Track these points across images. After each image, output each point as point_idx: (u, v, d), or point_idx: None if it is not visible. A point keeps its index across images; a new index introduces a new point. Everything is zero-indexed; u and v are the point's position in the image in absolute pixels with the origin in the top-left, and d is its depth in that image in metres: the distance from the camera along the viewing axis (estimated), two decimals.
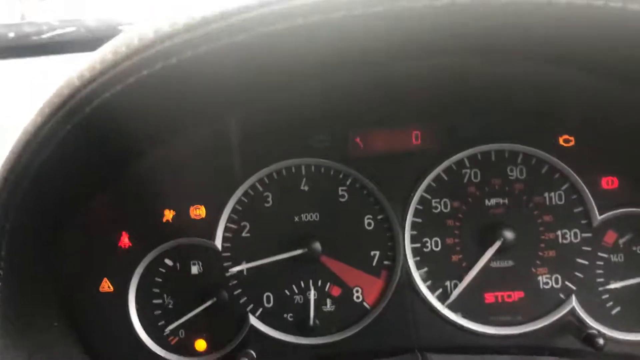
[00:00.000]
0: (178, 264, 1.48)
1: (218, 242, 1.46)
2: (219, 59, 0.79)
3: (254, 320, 1.46)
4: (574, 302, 1.41)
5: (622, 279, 1.41)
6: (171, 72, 0.77)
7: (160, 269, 1.48)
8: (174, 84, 0.87)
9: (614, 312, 1.42)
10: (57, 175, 1.10)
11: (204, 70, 0.82)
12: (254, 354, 1.36)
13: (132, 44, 0.73)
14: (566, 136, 1.41)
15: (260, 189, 1.48)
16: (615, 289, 1.41)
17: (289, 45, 0.80)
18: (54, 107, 0.80)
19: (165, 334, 1.47)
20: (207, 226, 1.46)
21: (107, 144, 1.06)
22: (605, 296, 1.42)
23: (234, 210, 1.48)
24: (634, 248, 1.42)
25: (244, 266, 1.46)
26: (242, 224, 1.48)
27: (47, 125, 0.81)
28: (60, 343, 1.27)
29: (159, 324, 1.47)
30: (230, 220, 1.48)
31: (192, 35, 0.71)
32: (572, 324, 1.41)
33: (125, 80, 0.76)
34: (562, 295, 1.43)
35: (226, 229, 1.47)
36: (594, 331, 1.33)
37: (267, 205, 1.48)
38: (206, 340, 1.46)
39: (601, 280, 1.42)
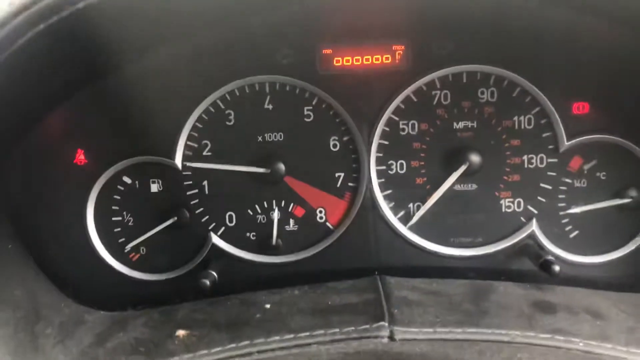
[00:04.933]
0: (137, 182, 1.44)
1: (178, 160, 1.42)
2: None
3: (215, 239, 1.45)
4: (534, 226, 1.43)
5: (583, 204, 1.42)
6: None
7: (119, 187, 1.43)
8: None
9: (572, 235, 1.44)
10: (13, 82, 1.02)
11: None
12: (215, 274, 1.36)
13: None
14: (541, 59, 1.36)
15: (222, 106, 1.42)
16: (576, 213, 1.43)
17: None
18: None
19: (125, 251, 1.45)
20: (166, 144, 1.41)
21: (73, 56, 0.98)
22: (565, 220, 1.44)
23: (194, 129, 1.42)
24: (598, 174, 1.42)
25: (203, 164, 1.41)
26: (203, 142, 1.43)
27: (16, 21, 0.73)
28: (15, 265, 1.24)
29: (119, 241, 1.45)
30: (190, 138, 1.42)
31: None
32: (531, 247, 1.43)
33: None
34: (523, 219, 1.44)
35: (186, 147, 1.42)
36: (551, 258, 1.36)
37: (228, 123, 1.43)
38: (168, 257, 1.46)
39: (563, 205, 1.43)
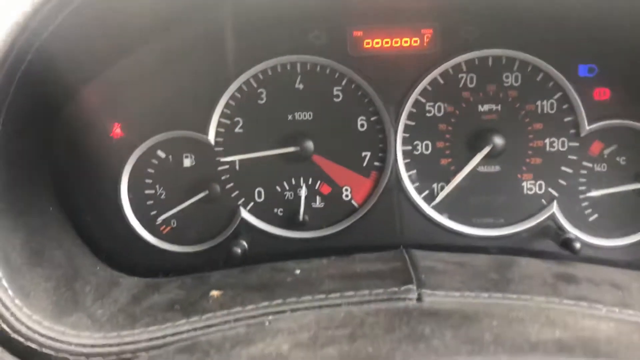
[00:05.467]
0: (170, 157, 1.49)
1: (211, 136, 1.47)
2: None
3: (245, 214, 1.50)
4: (554, 208, 1.47)
5: (603, 188, 1.46)
6: None
7: (153, 161, 1.49)
8: None
9: (591, 219, 1.48)
10: (54, 58, 1.08)
11: None
12: (245, 244, 1.41)
13: None
14: (564, 46, 1.40)
15: (255, 85, 1.47)
16: (595, 197, 1.46)
17: None
18: None
19: (157, 223, 1.50)
20: (201, 120, 1.46)
21: (105, 32, 1.03)
22: (585, 204, 1.47)
23: (227, 106, 1.47)
24: (617, 159, 1.46)
25: (236, 157, 1.47)
26: (236, 119, 1.48)
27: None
28: (55, 227, 1.29)
29: (151, 213, 1.50)
30: (223, 115, 1.47)
31: None
32: (551, 228, 1.47)
33: None
34: (544, 201, 1.48)
35: (219, 124, 1.47)
36: (572, 235, 1.39)
37: (260, 102, 1.48)
38: (197, 230, 1.50)
39: (583, 188, 1.47)
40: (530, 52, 1.42)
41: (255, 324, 1.04)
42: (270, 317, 1.05)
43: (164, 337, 1.04)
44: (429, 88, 1.46)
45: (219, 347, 0.96)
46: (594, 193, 1.46)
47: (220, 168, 1.49)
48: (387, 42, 1.44)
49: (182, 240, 1.51)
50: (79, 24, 1.03)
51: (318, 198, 1.51)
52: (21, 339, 1.00)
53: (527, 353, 0.83)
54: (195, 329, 1.06)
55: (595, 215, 1.47)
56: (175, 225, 1.51)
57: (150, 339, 1.04)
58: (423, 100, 1.46)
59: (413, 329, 0.94)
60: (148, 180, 1.49)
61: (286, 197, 1.51)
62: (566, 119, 1.45)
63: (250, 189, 1.50)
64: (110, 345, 1.02)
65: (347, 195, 1.51)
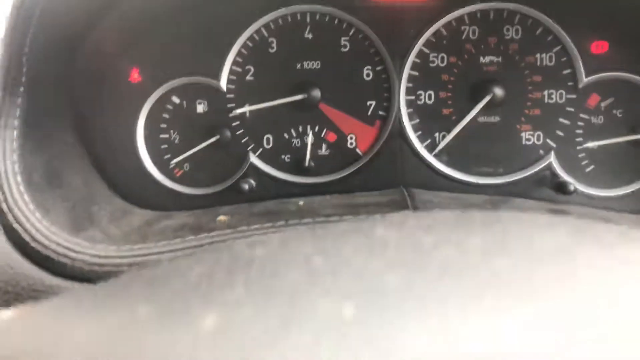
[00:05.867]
0: (185, 102, 1.56)
1: (223, 83, 1.54)
2: None
3: (253, 159, 1.56)
4: (552, 158, 1.52)
5: (599, 139, 1.51)
6: None
7: (168, 106, 1.56)
8: None
9: (588, 169, 1.53)
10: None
11: None
12: (253, 182, 1.48)
13: None
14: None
15: (266, 34, 1.54)
16: (592, 148, 1.51)
17: None
18: None
19: (170, 166, 1.57)
20: (214, 67, 1.53)
21: None
22: (582, 155, 1.52)
23: (239, 54, 1.54)
24: (614, 111, 1.50)
25: (246, 108, 1.55)
26: (247, 67, 1.55)
27: None
28: (74, 157, 1.37)
29: (165, 157, 1.57)
30: (235, 63, 1.54)
31: None
32: (547, 177, 1.52)
33: None
34: (541, 151, 1.53)
35: (231, 72, 1.55)
36: (566, 179, 1.44)
37: (271, 50, 1.55)
38: (209, 173, 1.58)
39: (580, 139, 1.52)
40: (530, 5, 1.47)
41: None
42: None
43: (173, 250, 1.11)
44: (433, 39, 1.52)
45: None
46: (591, 144, 1.51)
47: (231, 115, 1.56)
48: None
49: (194, 183, 1.58)
50: None
51: (324, 145, 1.57)
52: (40, 248, 1.07)
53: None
54: (202, 245, 1.13)
55: (592, 167, 1.52)
56: (187, 168, 1.58)
57: (161, 252, 1.11)
58: (427, 50, 1.52)
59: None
60: (163, 125, 1.56)
61: (293, 144, 1.57)
62: (564, 72, 1.50)
63: (259, 135, 1.57)
64: (122, 257, 1.10)
65: (351, 143, 1.57)
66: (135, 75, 1.53)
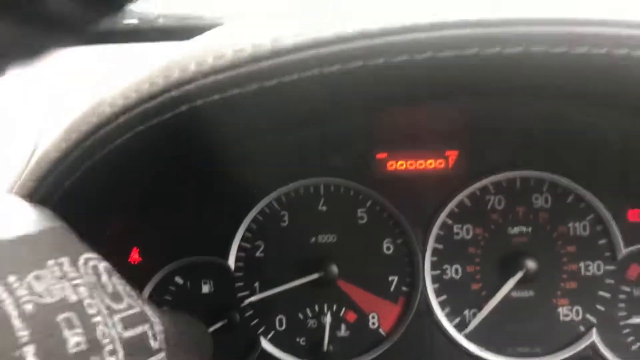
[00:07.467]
0: (189, 283, 1.43)
1: (231, 261, 1.41)
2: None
3: (265, 344, 1.41)
4: (594, 336, 1.38)
5: None
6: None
7: (170, 287, 1.42)
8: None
9: (634, 347, 1.39)
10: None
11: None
12: None
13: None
14: (595, 166, 1.38)
15: (277, 207, 1.43)
16: (637, 323, 1.38)
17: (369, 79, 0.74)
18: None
19: None
20: (221, 244, 1.41)
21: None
22: (626, 331, 1.39)
23: (248, 229, 1.43)
24: None
25: (256, 297, 1.41)
26: (257, 243, 1.43)
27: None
28: None
29: None
30: (244, 239, 1.43)
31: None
32: (590, 358, 1.38)
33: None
34: (582, 328, 1.40)
35: (240, 248, 1.43)
36: None
37: (283, 224, 1.43)
38: None
39: (623, 314, 1.39)
40: (559, 173, 1.39)
41: None
42: None
43: None
44: (456, 210, 1.42)
45: None
46: (636, 320, 1.38)
47: (240, 294, 1.42)
48: (411, 164, 1.42)
49: None
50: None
51: (343, 326, 1.43)
52: None
53: None
54: None
55: (638, 344, 1.39)
56: None
57: None
58: (450, 222, 1.42)
59: None
60: (165, 308, 1.41)
61: (309, 325, 1.43)
62: (600, 242, 1.40)
63: (271, 316, 1.42)
64: None
65: (374, 323, 1.43)
66: (135, 256, 1.40)
